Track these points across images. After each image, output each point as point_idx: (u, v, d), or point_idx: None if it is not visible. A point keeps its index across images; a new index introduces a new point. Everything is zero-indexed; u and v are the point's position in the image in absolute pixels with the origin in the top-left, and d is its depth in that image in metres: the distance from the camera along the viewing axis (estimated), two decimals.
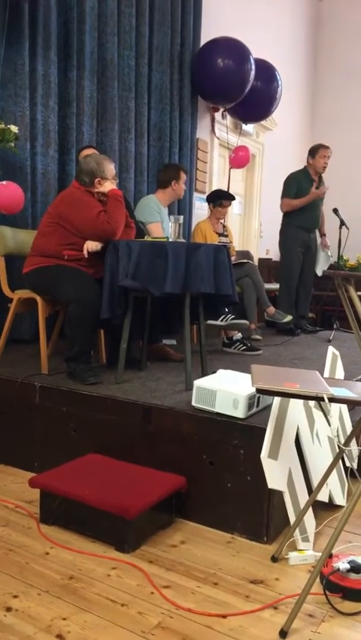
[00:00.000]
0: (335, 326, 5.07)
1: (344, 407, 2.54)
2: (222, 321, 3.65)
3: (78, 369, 2.70)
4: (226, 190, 5.03)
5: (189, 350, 2.71)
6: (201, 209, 5.62)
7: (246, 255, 5.79)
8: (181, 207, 5.12)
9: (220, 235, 4.48)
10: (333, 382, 1.74)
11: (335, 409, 2.47)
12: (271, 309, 4.39)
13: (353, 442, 1.86)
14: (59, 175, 3.89)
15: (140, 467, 2.28)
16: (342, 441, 2.35)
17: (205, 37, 5.18)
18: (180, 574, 1.84)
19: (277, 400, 2.07)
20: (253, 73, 5.07)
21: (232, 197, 4.51)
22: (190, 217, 5.32)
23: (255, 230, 7.11)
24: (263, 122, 6.40)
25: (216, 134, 5.96)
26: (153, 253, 2.64)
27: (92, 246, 2.80)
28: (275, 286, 5.28)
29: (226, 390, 2.19)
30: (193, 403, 2.28)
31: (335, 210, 5.06)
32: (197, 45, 5.20)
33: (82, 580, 1.77)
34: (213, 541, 2.07)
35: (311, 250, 5.02)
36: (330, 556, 1.78)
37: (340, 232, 5.05)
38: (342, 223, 5.06)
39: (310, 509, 2.05)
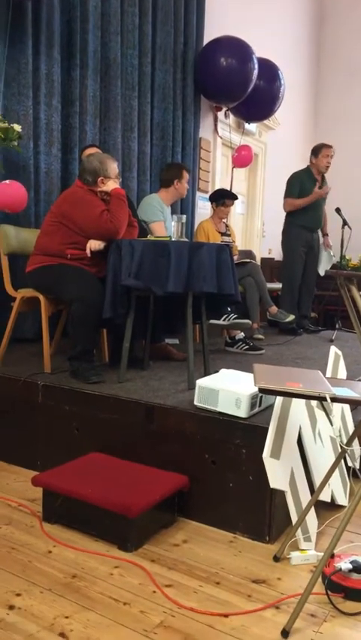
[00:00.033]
0: (337, 326, 5.06)
1: (347, 407, 2.54)
2: (224, 320, 3.65)
3: (81, 368, 2.71)
4: (228, 189, 5.03)
5: (192, 349, 2.72)
6: (203, 208, 5.61)
7: (248, 254, 5.78)
8: (184, 206, 5.12)
9: (223, 234, 4.48)
10: (335, 382, 1.74)
11: (337, 408, 2.47)
12: (274, 309, 4.39)
13: (356, 441, 1.86)
14: (62, 174, 3.90)
15: (142, 466, 2.29)
16: (344, 441, 2.35)
17: (208, 37, 5.18)
18: (183, 573, 1.84)
19: (279, 399, 2.07)
20: (255, 72, 5.07)
21: (234, 197, 4.51)
22: (193, 216, 5.32)
23: (257, 229, 7.11)
24: (266, 122, 6.39)
25: (219, 134, 5.96)
26: (155, 252, 2.64)
27: (94, 244, 2.80)
28: (278, 286, 5.28)
29: (228, 389, 2.19)
30: (196, 403, 2.28)
31: (338, 210, 5.05)
32: (200, 44, 5.20)
33: (84, 578, 1.78)
34: (215, 541, 2.08)
35: (314, 250, 5.01)
36: (332, 556, 1.78)
37: (342, 232, 5.04)
38: (345, 223, 5.05)
39: (313, 509, 2.05)
